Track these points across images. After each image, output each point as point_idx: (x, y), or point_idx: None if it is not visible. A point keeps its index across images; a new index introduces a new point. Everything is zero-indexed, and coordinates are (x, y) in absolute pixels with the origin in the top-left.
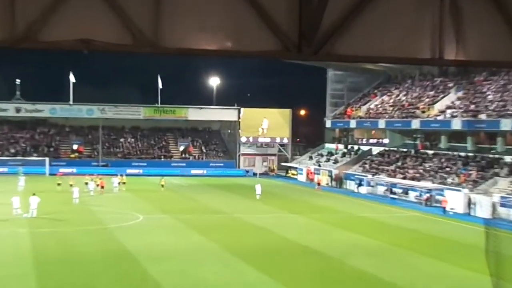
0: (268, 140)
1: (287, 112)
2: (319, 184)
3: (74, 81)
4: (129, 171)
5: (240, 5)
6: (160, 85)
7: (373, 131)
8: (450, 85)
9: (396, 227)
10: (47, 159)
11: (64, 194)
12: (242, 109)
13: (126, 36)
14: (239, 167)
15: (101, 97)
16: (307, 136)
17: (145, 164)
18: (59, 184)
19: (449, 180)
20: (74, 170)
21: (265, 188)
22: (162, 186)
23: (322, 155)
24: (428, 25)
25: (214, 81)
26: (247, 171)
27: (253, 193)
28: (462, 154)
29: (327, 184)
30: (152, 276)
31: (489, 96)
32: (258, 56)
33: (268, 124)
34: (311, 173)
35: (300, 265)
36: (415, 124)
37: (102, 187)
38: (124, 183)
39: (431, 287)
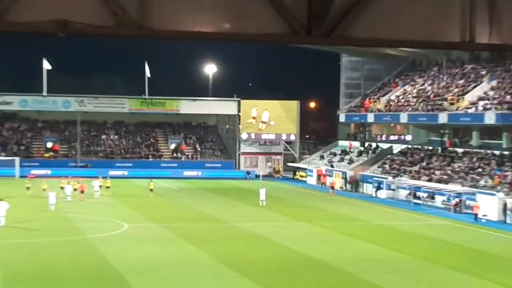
0: (272, 137)
1: (294, 104)
2: (332, 187)
3: (48, 68)
4: (112, 172)
5: None
6: (147, 74)
7: (394, 126)
8: (483, 73)
9: (421, 237)
10: (17, 159)
11: (38, 199)
12: (242, 101)
13: (107, 16)
14: (239, 168)
15: (79, 88)
16: (317, 132)
17: (130, 164)
18: (28, 188)
19: (482, 183)
20: (48, 171)
21: (270, 193)
22: (151, 190)
23: (335, 154)
24: (458, 4)
25: (210, 69)
26: (248, 173)
27: (255, 199)
28: (497, 152)
29: (340, 187)
30: None
31: None
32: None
33: (269, 116)
34: (323, 175)
35: (310, 282)
36: (443, 118)
37: (82, 191)
38: (108, 187)
39: None
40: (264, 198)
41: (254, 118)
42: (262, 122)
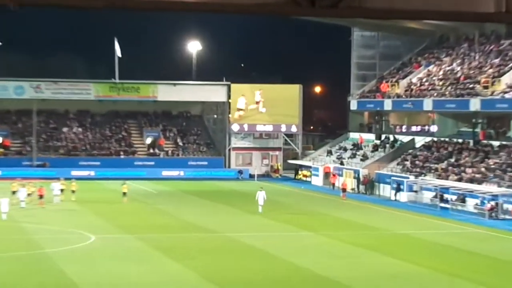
0: (269, 128)
1: (296, 89)
2: (344, 190)
3: None
4: (76, 173)
5: None
6: (118, 53)
7: (417, 115)
8: None
9: (449, 248)
10: None
11: None
12: (232, 86)
13: None
14: (229, 166)
15: (35, 70)
16: (324, 123)
17: (97, 163)
18: None
19: None
20: None
21: (267, 196)
22: (124, 194)
23: (345, 149)
24: None
25: (193, 47)
26: (241, 172)
27: (250, 203)
28: None
29: (352, 189)
30: None
31: None
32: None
33: (261, 98)
34: (332, 175)
35: None
36: (475, 104)
37: (41, 196)
38: (73, 190)
39: None
40: (262, 203)
41: (257, 103)
42: (257, 103)
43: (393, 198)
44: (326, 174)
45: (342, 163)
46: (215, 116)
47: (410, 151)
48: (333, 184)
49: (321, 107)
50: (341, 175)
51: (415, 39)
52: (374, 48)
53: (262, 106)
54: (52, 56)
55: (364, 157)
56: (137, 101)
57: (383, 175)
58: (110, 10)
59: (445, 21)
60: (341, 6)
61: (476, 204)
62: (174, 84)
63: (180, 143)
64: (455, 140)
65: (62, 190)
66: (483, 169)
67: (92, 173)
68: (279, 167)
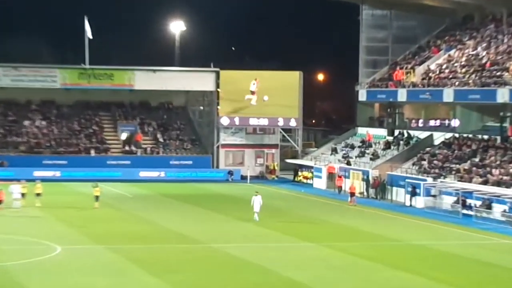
0: (264, 122)
1: (295, 76)
2: (352, 194)
3: None
4: (39, 173)
5: None
6: (88, 34)
7: (435, 107)
8: None
9: (473, 261)
10: None
11: None
12: (222, 72)
13: None
14: (217, 166)
15: None
16: (328, 116)
17: (64, 162)
18: None
19: None
20: None
21: (264, 202)
22: (96, 197)
23: (352, 147)
24: None
25: (176, 27)
26: (231, 173)
27: (243, 210)
28: None
29: (360, 193)
30: None
31: None
32: None
33: (257, 87)
34: (338, 177)
35: None
36: (503, 95)
37: (0, 201)
38: (38, 194)
39: None
40: (259, 210)
41: (253, 93)
42: (252, 93)
43: (408, 203)
44: (330, 175)
45: (348, 163)
46: (202, 107)
47: (428, 149)
48: (340, 188)
49: (324, 97)
50: (347, 177)
51: (433, 19)
52: (386, 29)
53: (257, 100)
54: (12, 38)
55: (375, 156)
56: (111, 90)
57: (397, 177)
58: None
59: None
60: None
61: (504, 211)
62: (154, 71)
63: (161, 139)
64: (479, 136)
65: (23, 194)
66: None
67: (57, 173)
68: (276, 168)
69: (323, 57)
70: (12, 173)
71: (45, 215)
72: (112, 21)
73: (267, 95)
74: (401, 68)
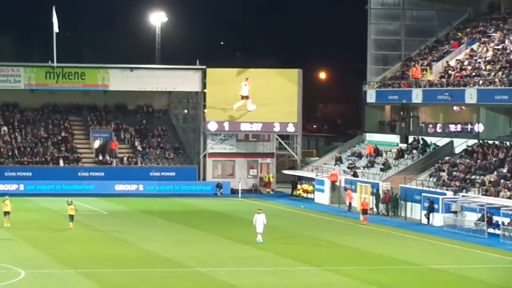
0: (258, 127)
1: (293, 75)
2: (365, 211)
3: None
4: (0, 187)
5: None
6: (55, 27)
7: (456, 110)
8: None
9: None
10: None
11: None
12: (209, 70)
13: None
14: (204, 178)
15: None
16: (331, 120)
17: (28, 174)
18: None
19: None
20: None
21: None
22: (71, 217)
23: (360, 156)
24: None
25: (157, 19)
26: (220, 186)
27: (236, 228)
28: None
29: (370, 209)
30: None
31: None
32: None
33: (248, 91)
34: (349, 191)
35: None
36: None
37: None
38: (7, 212)
39: None
40: (262, 231)
41: (244, 98)
42: (243, 97)
43: (424, 221)
44: (333, 185)
45: (355, 174)
46: (186, 111)
47: (447, 158)
48: (350, 204)
49: (327, 99)
50: (354, 191)
51: (453, 8)
52: (399, 20)
53: (252, 103)
54: None
55: (386, 167)
56: (82, 91)
57: (411, 191)
58: None
59: None
60: None
61: None
62: (131, 69)
63: (139, 148)
64: (507, 143)
65: None
66: None
67: (21, 187)
68: (271, 180)
69: (326, 52)
70: None
71: (7, 235)
72: (83, 12)
73: (260, 98)
74: (415, 65)
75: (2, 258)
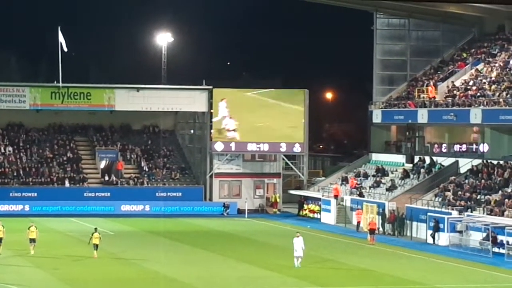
0: (265, 147)
1: (300, 95)
2: (372, 231)
3: None
4: (5, 207)
5: None
6: (63, 46)
7: (462, 130)
8: None
9: None
10: None
11: None
12: (215, 91)
13: None
14: (210, 198)
15: None
16: (337, 140)
17: (34, 194)
18: None
19: None
20: None
21: (262, 238)
22: (96, 246)
23: (366, 176)
24: None
25: (163, 40)
26: (226, 206)
27: (242, 249)
28: None
29: (377, 229)
30: None
31: None
32: None
33: (228, 111)
34: (358, 211)
35: None
36: None
37: None
38: (33, 239)
39: None
40: (302, 254)
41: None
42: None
43: (430, 240)
44: (336, 199)
45: (361, 194)
46: (192, 131)
47: (453, 178)
48: (358, 223)
49: (333, 119)
50: (360, 209)
51: (458, 29)
52: (404, 41)
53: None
54: None
55: (392, 187)
56: (88, 112)
57: (417, 210)
58: None
59: (500, 5)
60: None
61: None
62: (137, 89)
63: (145, 168)
64: None
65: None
66: None
67: (26, 207)
68: (278, 200)
69: (332, 73)
70: None
71: (11, 255)
72: (90, 32)
73: (267, 118)
74: (421, 86)
75: (5, 278)
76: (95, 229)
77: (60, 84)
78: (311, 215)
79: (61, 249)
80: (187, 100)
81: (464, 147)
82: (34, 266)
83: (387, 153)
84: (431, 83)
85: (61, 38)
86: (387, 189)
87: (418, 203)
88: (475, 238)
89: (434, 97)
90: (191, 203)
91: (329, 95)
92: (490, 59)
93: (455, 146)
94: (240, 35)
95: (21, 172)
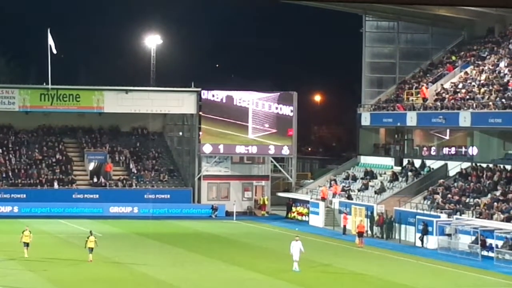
0: (253, 150)
1: (289, 97)
2: (361, 234)
3: None
4: None
5: None
6: (52, 48)
7: (450, 133)
8: None
9: None
10: None
11: None
12: (204, 93)
13: None
14: (199, 201)
15: None
16: (326, 143)
17: (23, 195)
18: None
19: None
20: None
21: (251, 241)
22: (91, 250)
23: (354, 178)
24: None
25: (152, 42)
26: (215, 209)
27: (231, 251)
28: None
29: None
30: None
31: None
32: None
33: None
34: (344, 215)
35: None
36: None
37: None
38: (27, 243)
39: None
40: (298, 258)
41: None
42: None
43: (418, 243)
44: (323, 201)
45: (349, 197)
46: (181, 133)
47: (441, 181)
48: (345, 227)
49: (322, 122)
50: (349, 214)
51: (448, 32)
52: (393, 43)
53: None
54: None
55: (380, 189)
56: (77, 114)
57: (405, 213)
58: None
59: (489, 8)
60: None
61: None
62: (126, 91)
63: (134, 170)
64: (501, 166)
65: None
66: None
67: (15, 209)
68: (266, 202)
69: (321, 75)
70: None
71: (1, 258)
72: (78, 33)
73: (256, 120)
74: (410, 88)
75: None
76: (90, 232)
77: (49, 86)
78: (299, 217)
79: (50, 251)
80: (176, 102)
81: (453, 150)
82: (23, 267)
83: (376, 155)
84: (425, 85)
85: (50, 40)
86: (375, 192)
87: (407, 206)
88: (464, 241)
89: (427, 98)
90: (179, 205)
91: (317, 98)
92: (480, 62)
93: (444, 149)
94: (228, 37)
95: (10, 174)
